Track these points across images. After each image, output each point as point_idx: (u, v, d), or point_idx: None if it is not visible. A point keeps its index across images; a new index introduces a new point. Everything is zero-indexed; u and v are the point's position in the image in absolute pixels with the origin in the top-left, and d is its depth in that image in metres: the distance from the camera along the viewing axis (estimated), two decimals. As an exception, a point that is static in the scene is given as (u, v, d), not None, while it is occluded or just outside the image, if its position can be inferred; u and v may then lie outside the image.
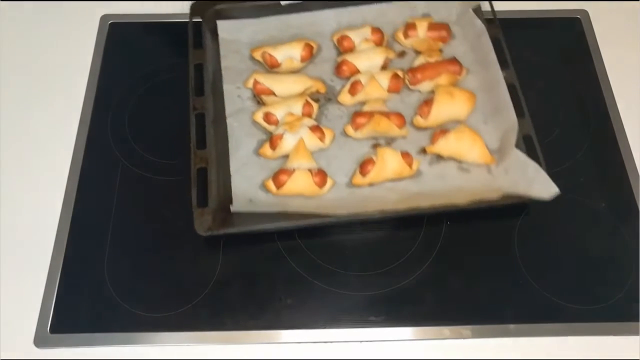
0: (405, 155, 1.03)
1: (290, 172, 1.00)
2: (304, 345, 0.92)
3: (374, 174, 1.01)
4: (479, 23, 1.13)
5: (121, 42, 1.22)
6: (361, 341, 0.93)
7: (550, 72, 1.18)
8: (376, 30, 1.15)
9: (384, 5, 1.19)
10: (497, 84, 1.08)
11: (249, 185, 1.02)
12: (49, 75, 1.17)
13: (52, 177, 1.05)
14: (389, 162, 1.01)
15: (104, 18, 1.24)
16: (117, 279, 0.96)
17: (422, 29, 1.15)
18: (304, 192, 1.00)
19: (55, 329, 0.92)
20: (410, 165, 1.02)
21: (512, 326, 0.92)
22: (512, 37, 1.14)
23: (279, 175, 1.00)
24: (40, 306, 0.93)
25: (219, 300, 0.94)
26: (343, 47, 1.14)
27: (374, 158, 1.02)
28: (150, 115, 1.13)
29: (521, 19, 1.25)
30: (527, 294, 0.95)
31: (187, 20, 1.15)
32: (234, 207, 0.98)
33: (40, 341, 0.91)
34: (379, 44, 1.15)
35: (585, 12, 1.26)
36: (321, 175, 1.01)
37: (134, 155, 1.08)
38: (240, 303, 0.94)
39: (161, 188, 1.05)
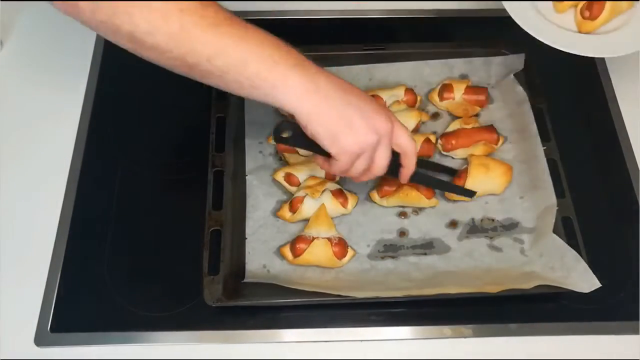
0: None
1: (309, 241, 0.94)
2: (303, 344, 0.91)
3: None
4: (520, 90, 1.06)
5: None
6: (362, 340, 0.91)
7: (549, 67, 1.13)
8: (410, 91, 1.09)
9: (420, 62, 1.13)
10: (536, 158, 1.01)
11: (264, 249, 0.97)
12: (48, 73, 1.16)
13: (52, 177, 1.04)
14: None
15: None
16: (117, 278, 0.95)
17: (458, 91, 1.09)
18: (321, 263, 0.94)
19: (55, 328, 0.91)
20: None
21: (512, 325, 0.91)
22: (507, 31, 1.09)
23: (297, 243, 0.94)
24: (40, 305, 0.92)
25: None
26: (374, 107, 1.08)
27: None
28: (150, 113, 1.12)
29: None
30: (527, 293, 0.90)
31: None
32: (246, 277, 0.93)
33: (40, 340, 0.90)
34: (411, 105, 1.09)
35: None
36: (341, 246, 0.95)
37: (134, 154, 1.07)
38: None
39: (161, 187, 1.04)
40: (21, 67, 1.17)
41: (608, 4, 0.97)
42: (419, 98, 1.10)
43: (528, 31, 1.00)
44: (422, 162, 1.01)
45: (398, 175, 0.91)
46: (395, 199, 0.99)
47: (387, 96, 1.08)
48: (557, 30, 1.02)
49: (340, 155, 0.80)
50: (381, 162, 0.84)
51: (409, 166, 0.88)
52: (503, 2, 1.04)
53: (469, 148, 1.04)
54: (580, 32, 1.00)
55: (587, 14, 0.98)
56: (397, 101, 1.07)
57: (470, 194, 0.99)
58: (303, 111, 0.76)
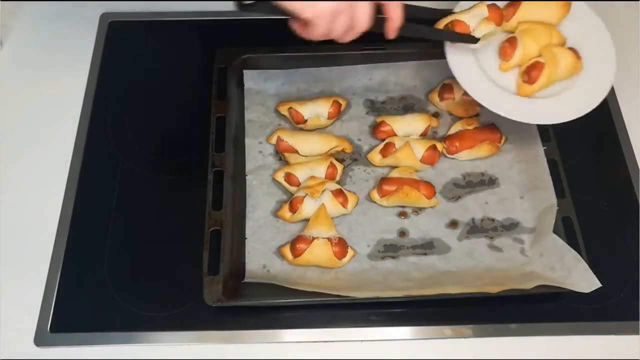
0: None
1: (309, 241, 0.94)
2: (304, 344, 0.91)
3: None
4: (519, 88, 1.06)
5: (121, 40, 1.20)
6: (362, 340, 0.91)
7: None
8: (494, 7, 0.99)
9: (420, 62, 1.12)
10: (536, 157, 1.01)
11: (264, 249, 0.97)
12: (48, 73, 1.16)
13: (52, 177, 1.04)
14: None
15: (104, 16, 1.23)
16: (117, 278, 0.95)
17: (458, 91, 1.08)
18: (321, 263, 0.94)
19: (55, 328, 0.92)
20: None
21: (512, 325, 0.92)
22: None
23: (297, 243, 0.94)
24: (40, 305, 0.93)
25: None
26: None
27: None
28: (150, 114, 1.13)
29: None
30: (527, 293, 0.90)
31: (185, 19, 1.15)
32: (246, 277, 0.93)
33: (40, 340, 0.91)
34: (498, 22, 0.99)
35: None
36: (341, 246, 0.94)
37: (134, 154, 1.07)
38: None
39: (161, 187, 1.05)
40: (21, 67, 1.17)
41: (545, 70, 0.97)
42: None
43: (469, 92, 0.98)
44: (412, 9, 0.90)
45: (384, 30, 0.85)
46: (395, 199, 0.99)
47: (468, 17, 0.97)
48: (497, 92, 1.00)
49: (317, 19, 0.76)
50: (364, 16, 0.78)
51: (394, 17, 0.83)
52: (447, 59, 0.99)
53: (474, 149, 1.03)
54: (518, 94, 0.99)
55: (525, 77, 0.99)
56: (483, 19, 0.97)
57: (473, 40, 0.95)
58: None
